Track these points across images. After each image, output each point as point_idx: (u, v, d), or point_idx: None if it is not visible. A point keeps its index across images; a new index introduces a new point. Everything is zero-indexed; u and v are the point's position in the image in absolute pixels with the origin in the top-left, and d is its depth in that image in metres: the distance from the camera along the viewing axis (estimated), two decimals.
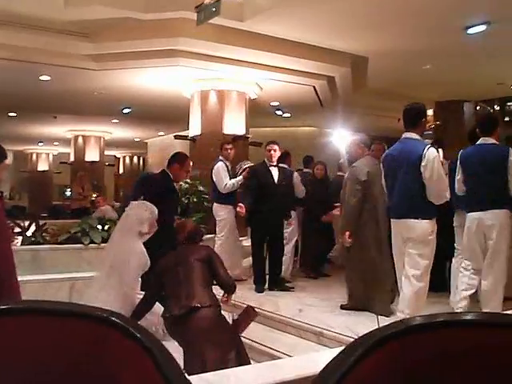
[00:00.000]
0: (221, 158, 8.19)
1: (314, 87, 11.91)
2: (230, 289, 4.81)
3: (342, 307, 6.26)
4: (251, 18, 8.43)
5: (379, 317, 5.09)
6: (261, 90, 11.96)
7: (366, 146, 6.47)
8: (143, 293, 4.76)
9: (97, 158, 20.41)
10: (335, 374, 0.96)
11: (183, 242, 4.83)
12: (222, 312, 4.58)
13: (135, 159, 29.95)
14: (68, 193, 22.24)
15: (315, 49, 9.79)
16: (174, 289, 4.51)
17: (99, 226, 8.06)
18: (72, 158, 20.50)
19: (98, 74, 10.63)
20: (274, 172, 7.67)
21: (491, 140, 5.47)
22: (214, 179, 7.97)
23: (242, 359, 4.39)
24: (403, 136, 5.20)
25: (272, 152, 7.66)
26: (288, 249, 8.12)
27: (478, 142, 5.57)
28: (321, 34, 9.19)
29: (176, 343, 4.37)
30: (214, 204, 8.17)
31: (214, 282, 4.69)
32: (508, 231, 5.34)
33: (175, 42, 9.11)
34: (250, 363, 4.55)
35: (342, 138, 7.06)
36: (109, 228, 8.06)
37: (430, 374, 1.03)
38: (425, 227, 4.90)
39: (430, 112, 16.13)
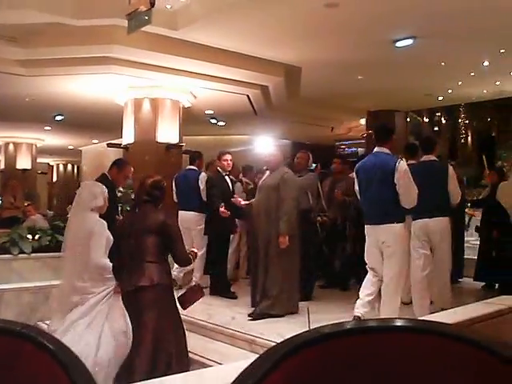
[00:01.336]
0: (192, 167, 8.22)
1: (247, 96, 12.01)
2: (184, 264, 4.86)
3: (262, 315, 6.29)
4: (185, 26, 8.45)
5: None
6: (195, 99, 11.96)
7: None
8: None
9: (29, 166, 19.90)
10: (247, 381, 0.99)
11: (144, 199, 4.63)
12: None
13: (69, 167, 29.35)
14: None
15: (249, 58, 9.89)
16: (125, 261, 4.50)
17: (29, 236, 7.86)
18: (2, 166, 19.90)
19: (27, 80, 10.39)
20: (228, 181, 7.86)
21: (432, 157, 6.36)
22: (201, 187, 7.92)
23: (181, 344, 4.54)
24: (375, 150, 5.69)
25: (229, 162, 7.83)
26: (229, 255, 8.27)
27: (421, 159, 6.42)
28: (254, 44, 9.28)
29: None
30: (191, 213, 7.97)
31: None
32: (449, 235, 6.22)
33: (108, 49, 9.02)
34: (187, 351, 4.66)
35: (268, 146, 7.23)
36: (39, 238, 7.87)
37: (342, 380, 1.07)
38: (398, 229, 5.41)
39: (362, 121, 16.52)
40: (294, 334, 1.08)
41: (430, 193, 5.82)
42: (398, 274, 5.45)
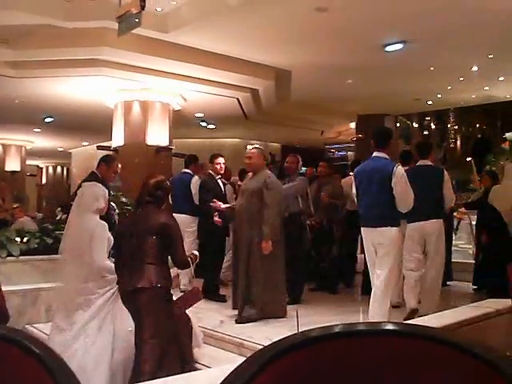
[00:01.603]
0: (187, 170, 8.23)
1: (237, 99, 12.01)
2: (182, 267, 4.83)
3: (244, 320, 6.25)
4: (175, 29, 8.45)
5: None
6: (185, 102, 11.96)
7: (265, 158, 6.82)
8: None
9: (18, 168, 19.81)
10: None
11: (146, 200, 4.58)
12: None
13: (59, 169, 29.22)
14: None
15: (239, 61, 9.91)
16: (126, 261, 4.48)
17: (18, 239, 7.80)
18: None
19: (17, 82, 10.35)
20: (221, 185, 7.85)
21: (428, 162, 6.55)
22: (193, 192, 7.91)
23: (181, 347, 4.55)
24: (374, 154, 5.79)
25: (221, 165, 7.81)
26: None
27: (417, 164, 6.58)
28: (244, 48, 9.30)
29: None
30: (183, 216, 7.84)
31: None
32: (443, 236, 6.45)
33: (98, 51, 9.01)
34: (189, 352, 4.68)
35: (250, 148, 7.17)
36: (28, 240, 7.82)
37: (330, 383, 1.07)
38: (393, 233, 5.51)
39: (352, 125, 16.55)
40: (283, 337, 1.08)
41: (425, 196, 5.94)
42: (389, 276, 5.49)
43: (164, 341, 4.38)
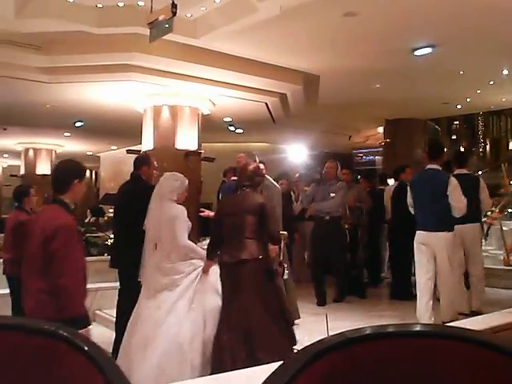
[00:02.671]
0: (224, 179, 8.39)
1: (266, 104, 12.00)
2: (275, 241, 5.16)
3: None
4: (205, 35, 8.49)
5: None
6: (213, 106, 11.99)
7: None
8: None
9: (48, 171, 19.93)
10: None
11: (243, 184, 5.10)
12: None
13: (87, 173, 29.53)
14: None
15: (268, 66, 9.92)
16: (227, 236, 4.93)
17: None
18: (22, 171, 20.07)
19: (49, 87, 10.49)
20: None
21: (464, 171, 7.26)
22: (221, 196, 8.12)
23: (286, 312, 4.94)
24: (427, 166, 6.41)
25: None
26: None
27: (455, 172, 7.07)
28: (273, 53, 9.32)
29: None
30: None
31: None
32: (480, 238, 7.28)
33: (128, 57, 9.09)
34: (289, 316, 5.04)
35: (296, 155, 7.30)
36: None
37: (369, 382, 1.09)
38: (449, 237, 6.06)
39: (380, 130, 16.45)
40: (313, 340, 1.10)
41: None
42: (452, 276, 6.09)
43: (270, 308, 4.72)
